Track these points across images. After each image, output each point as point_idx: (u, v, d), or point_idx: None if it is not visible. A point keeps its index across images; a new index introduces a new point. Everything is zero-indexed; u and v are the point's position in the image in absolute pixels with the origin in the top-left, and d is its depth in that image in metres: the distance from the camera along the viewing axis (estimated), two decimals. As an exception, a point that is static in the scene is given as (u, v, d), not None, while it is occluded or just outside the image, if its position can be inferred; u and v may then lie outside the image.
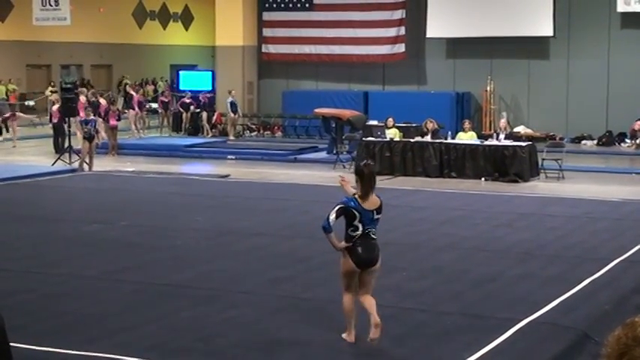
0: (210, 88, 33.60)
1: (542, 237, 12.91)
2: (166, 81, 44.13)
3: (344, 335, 8.06)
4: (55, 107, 25.19)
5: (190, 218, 14.41)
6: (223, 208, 15.62)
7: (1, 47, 38.88)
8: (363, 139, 21.52)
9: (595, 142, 26.89)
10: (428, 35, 28.80)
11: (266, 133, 30.77)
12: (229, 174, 20.64)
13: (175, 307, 9.25)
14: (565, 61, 27.54)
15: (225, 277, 10.56)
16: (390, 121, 22.10)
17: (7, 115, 28.63)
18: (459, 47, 28.81)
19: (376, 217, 7.83)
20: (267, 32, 31.02)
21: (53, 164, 21.95)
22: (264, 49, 31.22)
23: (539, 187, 18.94)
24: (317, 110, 25.53)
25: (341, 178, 8.49)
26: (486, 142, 20.47)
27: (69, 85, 26.14)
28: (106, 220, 14.23)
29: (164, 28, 47.67)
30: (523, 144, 20.25)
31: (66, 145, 22.94)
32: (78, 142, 21.67)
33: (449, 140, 20.79)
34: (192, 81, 35.52)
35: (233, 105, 29.18)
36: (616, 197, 16.89)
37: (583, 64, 27.24)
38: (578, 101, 27.40)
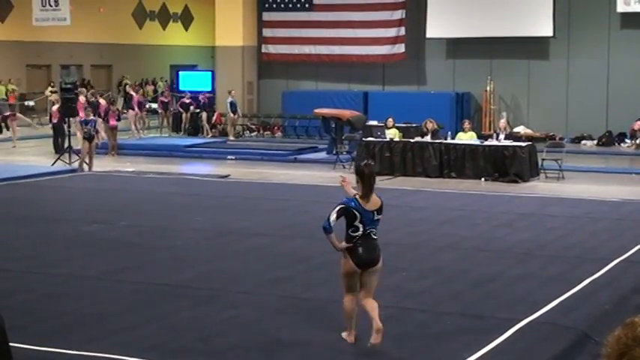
0: (210, 89, 33.59)
1: (542, 237, 12.91)
2: (166, 81, 44.13)
3: (344, 334, 8.05)
4: (55, 107, 25.20)
5: (190, 218, 14.41)
6: (223, 209, 15.62)
7: (1, 47, 38.88)
8: (363, 139, 21.52)
9: (595, 142, 26.89)
10: (428, 35, 28.80)
11: (266, 133, 30.77)
12: (229, 174, 20.64)
13: (175, 307, 9.25)
14: (565, 61, 27.54)
15: (225, 277, 10.56)
16: (390, 122, 22.10)
17: (7, 113, 28.64)
18: (458, 47, 28.81)
19: (377, 217, 7.81)
20: (267, 32, 31.02)
21: (53, 164, 21.95)
22: (264, 50, 31.22)
23: (539, 187, 18.94)
24: (317, 110, 25.52)
25: (342, 178, 8.44)
26: (486, 143, 20.47)
27: (69, 86, 26.15)
28: (105, 220, 14.23)
29: (164, 29, 47.66)
30: (523, 144, 20.25)
31: (66, 145, 22.95)
32: (78, 142, 21.67)
33: (449, 140, 20.79)
34: (192, 81, 35.51)
35: (233, 105, 29.19)
36: (616, 197, 16.89)
37: (583, 64, 27.25)
38: (578, 101, 27.40)
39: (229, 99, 29.15)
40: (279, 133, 30.56)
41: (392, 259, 10.13)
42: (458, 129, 22.80)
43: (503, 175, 19.56)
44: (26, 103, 37.97)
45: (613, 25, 26.88)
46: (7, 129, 28.10)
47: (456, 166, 20.08)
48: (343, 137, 23.99)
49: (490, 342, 8.03)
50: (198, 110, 30.99)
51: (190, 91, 32.55)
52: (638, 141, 25.89)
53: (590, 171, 21.38)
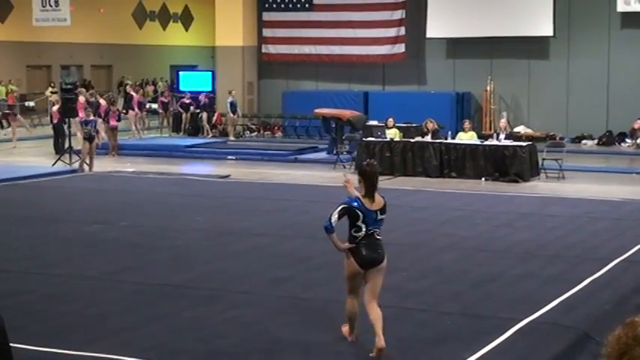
0: (210, 89, 33.59)
1: (543, 237, 12.91)
2: (166, 81, 44.13)
3: (344, 329, 8.03)
4: (55, 108, 25.20)
5: (191, 218, 14.41)
6: (223, 209, 15.62)
7: (1, 48, 38.89)
8: (363, 139, 21.53)
9: (595, 141, 26.89)
10: (428, 35, 28.80)
11: (266, 133, 30.77)
12: (229, 174, 20.64)
13: (175, 307, 9.25)
14: (565, 61, 27.54)
15: (225, 278, 10.56)
16: (390, 121, 22.10)
17: (7, 111, 28.68)
18: (459, 47, 28.81)
19: (380, 217, 7.72)
20: (267, 32, 31.03)
21: (53, 165, 21.96)
22: (264, 50, 31.23)
23: (539, 187, 18.94)
24: (317, 110, 25.52)
25: (345, 179, 8.28)
26: (486, 142, 20.47)
27: (69, 86, 26.15)
28: (106, 221, 14.23)
29: (164, 29, 47.67)
30: (523, 144, 20.26)
31: (66, 145, 22.95)
32: (78, 142, 21.67)
33: (449, 140, 20.79)
34: (192, 81, 35.50)
35: (233, 105, 29.19)
36: (616, 197, 16.89)
37: (583, 64, 27.25)
38: (578, 101, 27.40)
39: (229, 99, 29.15)
40: (279, 133, 30.56)
41: (392, 258, 10.09)
42: (458, 129, 22.80)
43: (504, 174, 19.56)
44: (26, 103, 37.99)
45: (613, 25, 26.88)
46: (9, 125, 28.04)
47: (457, 166, 20.08)
48: (343, 137, 24.00)
49: (490, 342, 8.02)
50: (198, 110, 30.99)
51: (190, 92, 32.55)
52: (638, 140, 25.89)
53: (590, 171, 21.39)
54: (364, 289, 7.84)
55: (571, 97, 27.57)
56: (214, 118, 30.53)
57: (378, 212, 7.71)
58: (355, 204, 7.67)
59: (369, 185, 7.69)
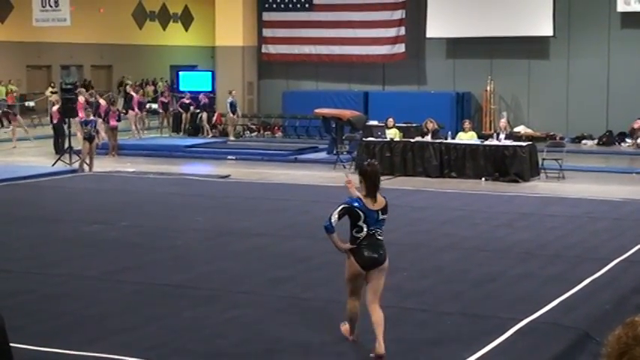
0: (210, 89, 33.59)
1: (543, 237, 12.91)
2: (166, 81, 44.13)
3: (343, 328, 8.02)
4: (55, 108, 25.20)
5: (191, 218, 14.40)
6: (224, 209, 15.61)
7: (1, 48, 38.89)
8: (363, 139, 21.53)
9: (595, 141, 26.89)
10: (428, 35, 28.80)
11: (266, 133, 30.77)
12: (229, 174, 20.64)
13: (175, 307, 9.25)
14: (565, 61, 27.54)
15: (225, 278, 10.56)
16: (390, 121, 22.10)
17: (7, 110, 28.69)
18: (459, 47, 28.81)
19: (381, 217, 7.66)
20: (267, 32, 31.03)
21: (53, 165, 21.96)
22: (264, 50, 31.22)
23: (539, 187, 18.94)
24: (317, 110, 25.53)
25: (347, 180, 8.16)
26: (486, 142, 20.47)
27: (69, 86, 26.14)
28: (106, 221, 14.23)
29: (164, 29, 47.68)
30: (523, 144, 20.26)
31: (66, 145, 22.95)
32: (78, 142, 21.67)
33: (449, 140, 20.79)
34: (192, 81, 35.50)
35: (232, 105, 29.19)
36: (616, 197, 16.89)
37: (583, 63, 27.25)
38: (578, 101, 27.40)
39: (229, 99, 29.16)
40: (279, 133, 30.56)
41: (392, 258, 10.08)
42: (458, 129, 22.80)
43: (504, 174, 19.56)
44: (26, 103, 37.99)
45: (613, 25, 26.88)
46: (10, 122, 28.03)
47: (457, 166, 20.08)
48: (343, 137, 24.00)
49: (490, 342, 8.02)
50: (198, 111, 30.98)
51: (190, 92, 32.54)
52: (638, 140, 25.88)
53: (590, 170, 21.39)
54: (366, 289, 7.79)
55: (571, 97, 27.57)
56: (214, 118, 30.53)
57: (380, 212, 7.66)
58: (356, 204, 7.62)
59: (370, 185, 7.64)
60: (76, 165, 21.38)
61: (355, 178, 8.21)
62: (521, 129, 27.16)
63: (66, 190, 18.10)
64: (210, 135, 29.95)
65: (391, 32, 29.25)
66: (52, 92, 36.50)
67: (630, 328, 2.75)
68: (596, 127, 26.99)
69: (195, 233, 13.22)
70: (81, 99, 25.31)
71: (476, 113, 28.55)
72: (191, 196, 16.91)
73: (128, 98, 33.78)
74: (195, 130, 30.66)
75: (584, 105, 27.26)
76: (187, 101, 31.26)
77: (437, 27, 28.45)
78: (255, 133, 30.84)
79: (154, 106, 34.95)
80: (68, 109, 23.14)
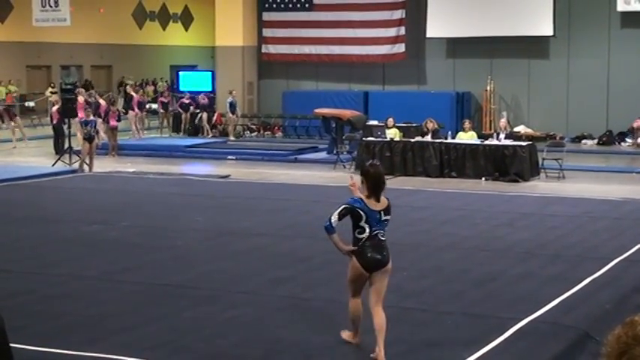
0: (210, 89, 33.58)
1: (543, 236, 12.90)
2: (166, 81, 44.12)
3: (344, 335, 7.98)
4: (55, 108, 25.20)
5: (191, 218, 14.40)
6: (224, 209, 15.61)
7: (1, 48, 38.90)
8: (364, 139, 21.53)
9: (595, 141, 26.89)
10: (428, 35, 28.80)
11: (266, 133, 30.77)
12: (229, 174, 20.64)
13: (176, 307, 9.25)
14: (565, 61, 27.54)
15: (225, 278, 10.55)
16: (390, 121, 22.10)
17: (7, 108, 28.73)
18: (459, 47, 28.81)
19: (384, 217, 7.58)
20: (267, 32, 31.03)
21: (53, 165, 21.96)
22: (264, 50, 31.22)
23: (539, 186, 18.94)
24: (317, 110, 25.53)
25: (351, 182, 7.96)
26: (486, 142, 20.47)
27: (69, 86, 26.14)
28: (106, 221, 14.23)
29: (164, 29, 47.68)
30: (523, 143, 20.26)
31: (66, 146, 22.95)
32: (78, 143, 21.67)
33: (449, 140, 20.79)
34: (192, 81, 35.47)
35: (232, 105, 29.19)
36: (616, 196, 16.89)
37: (583, 63, 27.24)
38: (578, 101, 27.40)
39: (229, 99, 29.16)
40: (279, 133, 30.56)
41: (393, 258, 10.08)
42: (458, 128, 22.80)
43: (504, 174, 19.56)
44: (26, 103, 37.99)
45: (613, 25, 26.88)
46: (10, 120, 28.05)
47: (457, 166, 20.08)
48: (344, 137, 24.00)
49: (491, 342, 8.02)
50: (197, 111, 30.98)
51: (189, 92, 32.53)
52: (638, 140, 25.88)
53: (590, 170, 21.39)
54: (369, 290, 7.72)
55: (571, 96, 27.57)
56: (214, 118, 30.53)
57: (382, 213, 7.58)
58: (357, 204, 7.54)
59: (372, 186, 7.56)
60: (76, 165, 21.38)
61: (357, 179, 8.19)
62: (521, 129, 27.16)
63: (66, 190, 18.10)
64: (210, 135, 29.95)
65: (391, 32, 29.25)
66: (52, 92, 36.50)
67: (630, 327, 2.75)
68: (596, 126, 26.99)
69: (195, 233, 13.22)
70: (80, 99, 25.31)
71: (476, 113, 28.55)
72: (191, 196, 16.91)
73: (128, 98, 33.79)
74: (195, 130, 30.66)
75: (584, 105, 27.26)
76: (187, 101, 31.26)
77: (437, 27, 28.46)
78: (255, 133, 30.83)
79: (154, 106, 34.94)
80: (68, 110, 23.14)
